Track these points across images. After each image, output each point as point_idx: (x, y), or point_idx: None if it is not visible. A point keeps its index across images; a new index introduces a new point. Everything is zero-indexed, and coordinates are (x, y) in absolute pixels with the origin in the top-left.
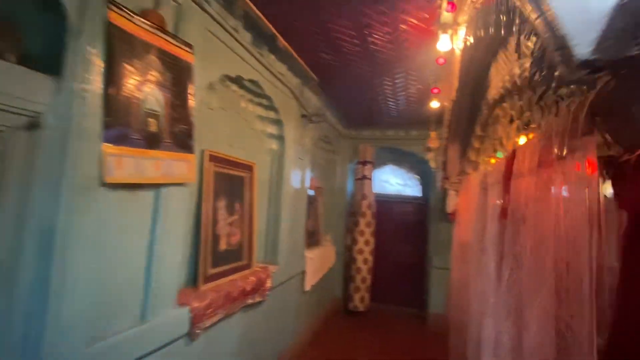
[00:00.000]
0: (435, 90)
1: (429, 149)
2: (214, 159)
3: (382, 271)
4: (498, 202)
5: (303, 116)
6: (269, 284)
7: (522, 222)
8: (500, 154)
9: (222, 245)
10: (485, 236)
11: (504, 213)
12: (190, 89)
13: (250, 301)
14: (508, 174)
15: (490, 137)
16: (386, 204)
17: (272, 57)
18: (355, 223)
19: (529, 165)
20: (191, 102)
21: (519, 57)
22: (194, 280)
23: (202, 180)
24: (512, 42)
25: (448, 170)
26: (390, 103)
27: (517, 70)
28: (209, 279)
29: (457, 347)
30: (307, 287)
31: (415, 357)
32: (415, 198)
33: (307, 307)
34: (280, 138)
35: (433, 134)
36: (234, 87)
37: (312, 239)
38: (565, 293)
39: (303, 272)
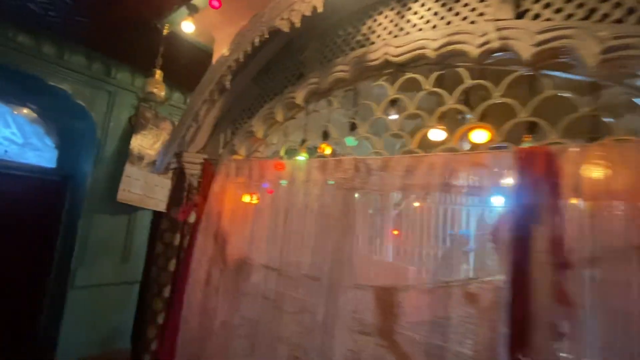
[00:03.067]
0: (215, 3)
1: (148, 97)
2: None
3: None
4: None
5: None
6: None
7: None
8: (352, 142)
9: None
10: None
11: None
12: None
13: None
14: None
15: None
16: None
17: None
18: None
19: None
20: None
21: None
22: None
23: None
24: None
25: (192, 140)
26: None
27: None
28: None
29: None
30: None
31: None
32: (44, 171)
33: None
34: None
35: (159, 74)
36: None
37: None
38: None
39: None
